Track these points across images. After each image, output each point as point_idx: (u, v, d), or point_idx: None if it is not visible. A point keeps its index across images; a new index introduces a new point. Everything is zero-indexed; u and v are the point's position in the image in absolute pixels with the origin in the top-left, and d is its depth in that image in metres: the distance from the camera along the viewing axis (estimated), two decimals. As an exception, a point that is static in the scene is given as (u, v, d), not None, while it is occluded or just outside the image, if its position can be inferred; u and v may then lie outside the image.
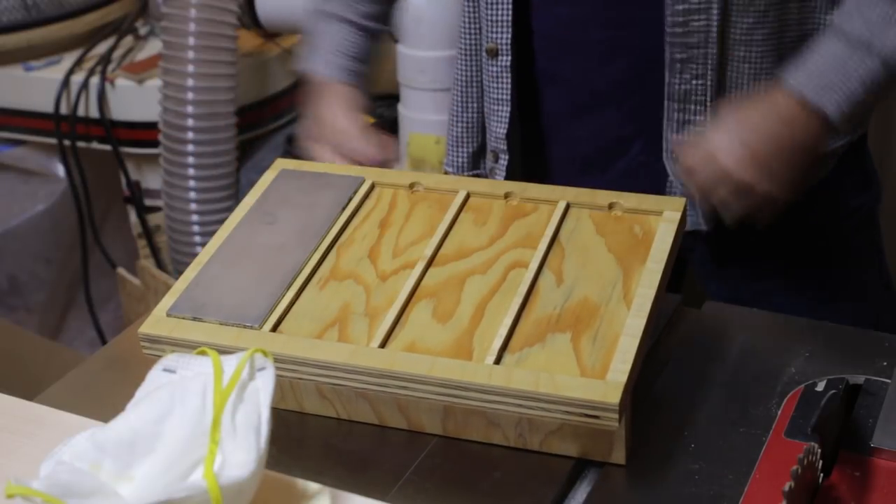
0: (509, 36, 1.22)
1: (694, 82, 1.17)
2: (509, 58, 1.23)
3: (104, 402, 0.88)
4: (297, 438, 0.96)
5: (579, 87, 1.26)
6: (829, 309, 1.31)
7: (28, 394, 0.91)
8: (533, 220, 1.05)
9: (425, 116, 2.27)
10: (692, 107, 1.19)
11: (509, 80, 1.25)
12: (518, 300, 0.94)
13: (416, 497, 0.89)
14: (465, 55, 1.30)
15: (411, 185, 1.11)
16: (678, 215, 1.02)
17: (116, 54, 2.38)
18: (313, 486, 0.75)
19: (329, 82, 1.32)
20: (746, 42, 1.17)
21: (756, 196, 1.08)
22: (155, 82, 2.26)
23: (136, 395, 0.74)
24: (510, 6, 1.21)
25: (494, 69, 1.25)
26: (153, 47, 2.38)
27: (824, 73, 1.08)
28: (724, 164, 1.07)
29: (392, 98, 2.41)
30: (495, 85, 1.26)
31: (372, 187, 1.11)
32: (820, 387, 0.95)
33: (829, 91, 1.08)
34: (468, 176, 1.37)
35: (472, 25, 1.28)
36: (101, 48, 2.41)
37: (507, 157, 1.29)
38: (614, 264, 0.98)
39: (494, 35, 1.23)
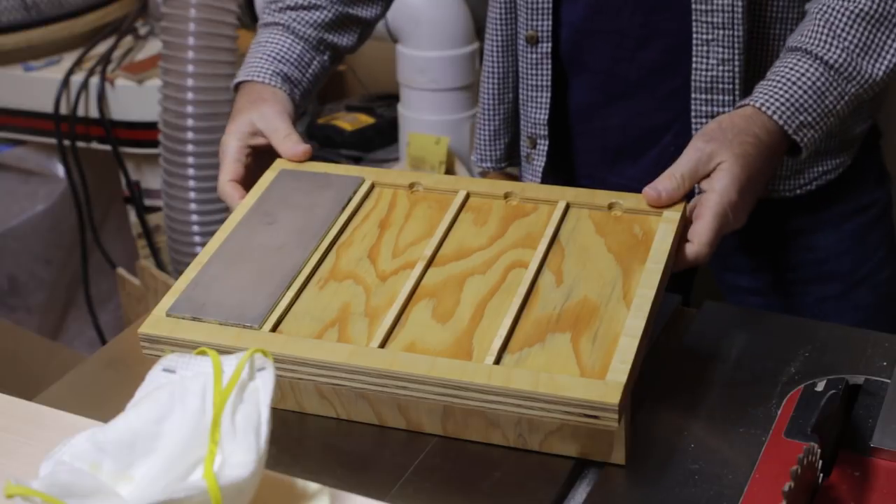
0: (550, 23, 1.23)
1: (720, 68, 1.16)
2: (549, 44, 1.24)
3: (104, 402, 0.88)
4: (297, 438, 0.96)
5: (612, 75, 1.26)
6: (846, 303, 1.32)
7: (28, 394, 0.91)
8: (533, 220, 1.05)
9: (425, 116, 2.27)
10: (719, 97, 1.18)
11: (549, 67, 1.25)
12: (518, 300, 0.94)
13: (416, 497, 0.89)
14: (500, 47, 1.30)
15: (411, 185, 1.11)
16: (678, 215, 1.02)
17: (116, 54, 2.39)
18: (313, 486, 0.75)
19: (257, 86, 1.23)
20: (782, 20, 1.17)
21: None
22: (155, 82, 2.26)
23: (136, 395, 0.74)
24: None
25: (534, 56, 1.25)
26: (153, 47, 2.39)
27: (805, 108, 1.07)
28: (735, 224, 1.05)
29: (392, 98, 2.42)
30: (534, 72, 1.27)
31: (372, 187, 1.11)
32: (820, 387, 0.95)
33: (807, 128, 1.08)
34: (503, 168, 1.38)
35: (507, 16, 1.28)
36: (101, 48, 2.41)
37: (546, 142, 1.29)
38: (614, 264, 0.98)
39: (535, 23, 1.24)
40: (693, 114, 1.19)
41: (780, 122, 1.07)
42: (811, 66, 1.08)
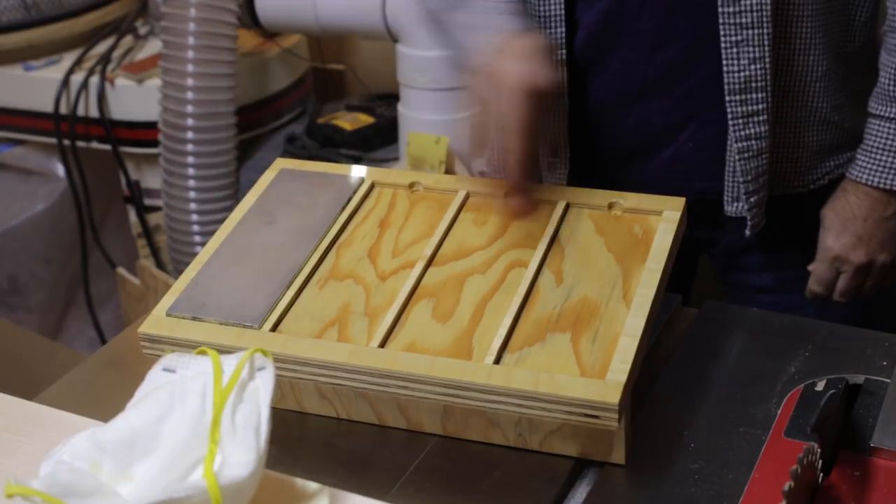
0: (563, 29, 1.22)
1: (752, 67, 1.17)
2: (564, 51, 1.23)
3: (104, 402, 0.87)
4: (297, 438, 0.96)
5: (627, 77, 1.25)
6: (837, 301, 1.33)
7: (28, 394, 0.91)
8: (533, 220, 1.05)
9: (425, 116, 2.26)
10: (754, 96, 1.18)
11: (566, 73, 1.25)
12: (518, 300, 0.94)
13: (416, 497, 0.89)
14: None
15: (411, 185, 1.11)
16: (678, 215, 1.02)
17: (116, 54, 2.38)
18: (313, 485, 0.75)
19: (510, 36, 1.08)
20: (798, 17, 1.18)
21: (879, 269, 1.26)
22: (155, 82, 2.26)
23: (136, 394, 0.74)
24: None
25: None
26: (153, 47, 2.39)
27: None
28: (838, 253, 1.24)
29: (392, 98, 2.42)
30: None
31: (372, 187, 1.11)
32: (820, 386, 0.95)
33: None
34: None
35: None
36: (101, 48, 2.41)
37: (568, 148, 1.29)
38: (614, 264, 0.98)
39: (549, 30, 1.23)
40: (729, 115, 1.19)
41: (885, 187, 1.21)
42: (881, 125, 1.21)
